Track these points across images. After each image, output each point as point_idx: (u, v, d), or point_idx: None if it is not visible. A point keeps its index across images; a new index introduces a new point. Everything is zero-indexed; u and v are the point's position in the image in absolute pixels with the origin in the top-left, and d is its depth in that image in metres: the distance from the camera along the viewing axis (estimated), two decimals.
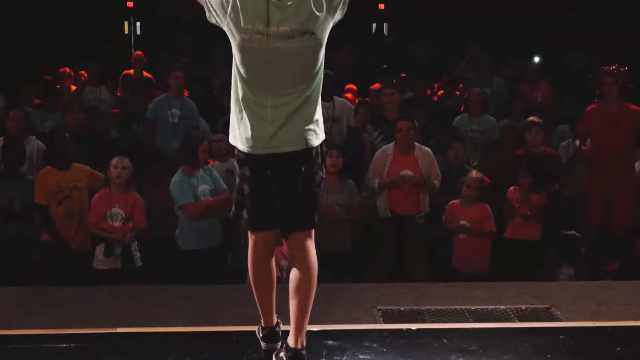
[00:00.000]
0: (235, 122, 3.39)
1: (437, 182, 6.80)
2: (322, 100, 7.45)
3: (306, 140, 3.33)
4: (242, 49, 3.24)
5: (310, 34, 3.20)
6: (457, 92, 10.55)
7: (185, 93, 8.46)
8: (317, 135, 3.39)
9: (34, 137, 7.17)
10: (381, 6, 19.67)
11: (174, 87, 8.08)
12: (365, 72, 14.77)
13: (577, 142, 7.17)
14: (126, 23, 19.16)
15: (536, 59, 14.59)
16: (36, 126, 7.89)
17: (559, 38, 15.71)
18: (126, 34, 18.83)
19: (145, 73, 10.61)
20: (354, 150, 7.39)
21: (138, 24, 19.03)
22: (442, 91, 11.15)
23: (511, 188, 6.92)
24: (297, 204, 3.40)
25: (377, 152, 6.96)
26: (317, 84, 3.37)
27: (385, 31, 20.48)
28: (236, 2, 3.19)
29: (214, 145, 7.15)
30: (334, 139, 7.61)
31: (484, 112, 8.43)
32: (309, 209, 3.44)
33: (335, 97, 8.03)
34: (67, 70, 10.25)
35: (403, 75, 10.90)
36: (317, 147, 3.40)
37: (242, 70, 3.30)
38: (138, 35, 18.77)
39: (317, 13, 3.19)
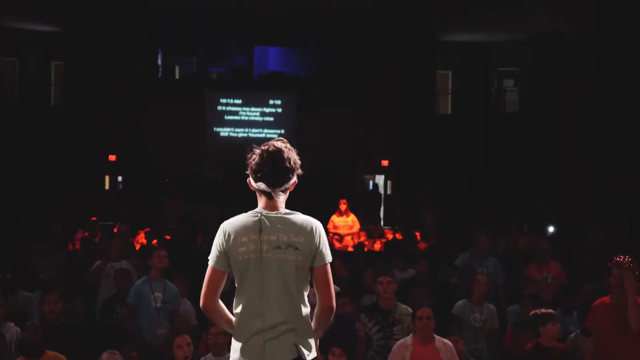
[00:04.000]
0: (234, 338, 4.08)
1: None
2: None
3: (298, 351, 3.98)
4: (241, 263, 4.02)
5: (294, 248, 4.00)
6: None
7: None
8: (310, 350, 4.05)
9: (12, 324, 7.53)
10: (385, 163, 20.82)
11: (156, 268, 8.35)
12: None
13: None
14: (107, 177, 20.16)
15: (550, 229, 15.17)
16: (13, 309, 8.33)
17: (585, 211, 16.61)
18: (107, 189, 19.82)
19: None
20: (347, 342, 7.58)
21: (120, 178, 20.00)
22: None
23: None
24: None
25: (395, 346, 7.27)
26: (306, 299, 4.06)
27: (388, 189, 21.47)
28: (227, 230, 4.06)
29: (209, 339, 7.36)
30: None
31: (486, 299, 8.86)
32: None
33: None
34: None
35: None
36: None
37: (240, 287, 4.05)
38: (120, 190, 19.70)
39: (305, 236, 4.03)
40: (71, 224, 15.14)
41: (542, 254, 10.38)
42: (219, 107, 20.95)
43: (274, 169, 4.04)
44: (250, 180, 4.12)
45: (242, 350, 4.00)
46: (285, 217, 4.05)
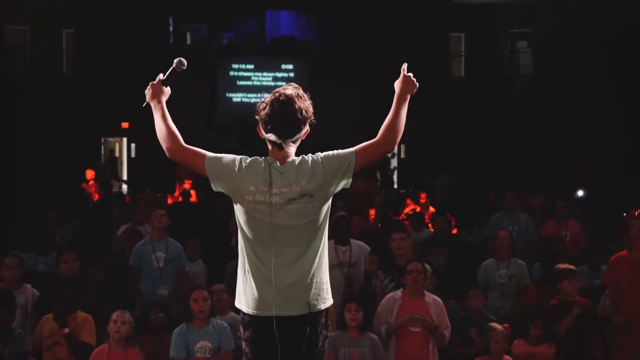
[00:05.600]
0: (241, 284, 3.96)
1: (447, 334, 7.03)
2: (339, 244, 7.92)
3: (310, 306, 3.87)
4: (246, 211, 3.89)
5: (309, 196, 3.87)
6: (482, 229, 11.02)
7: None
8: (324, 300, 3.95)
9: (29, 286, 7.44)
10: None
11: (156, 228, 8.29)
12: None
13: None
14: (117, 144, 20.11)
15: (580, 193, 15.05)
16: (29, 271, 8.32)
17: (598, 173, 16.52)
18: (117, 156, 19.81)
19: None
20: (366, 298, 7.59)
21: (133, 145, 19.94)
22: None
23: (516, 341, 7.11)
24: None
25: (384, 299, 7.20)
26: (321, 247, 3.94)
27: (402, 153, 21.37)
28: (242, 166, 3.90)
29: (213, 297, 7.29)
30: (353, 286, 7.97)
31: (512, 255, 8.78)
32: None
33: (352, 241, 8.28)
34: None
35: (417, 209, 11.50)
36: (323, 310, 3.95)
37: (246, 232, 3.92)
38: (132, 157, 19.67)
39: (316, 178, 3.88)
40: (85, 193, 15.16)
41: (560, 212, 10.37)
42: (231, 73, 20.85)
43: (284, 120, 3.90)
44: (260, 128, 3.98)
45: (254, 297, 3.88)
46: (295, 167, 3.89)
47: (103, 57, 19.30)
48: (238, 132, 19.31)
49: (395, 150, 21.63)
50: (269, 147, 3.98)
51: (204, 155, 3.98)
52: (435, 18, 20.14)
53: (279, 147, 3.93)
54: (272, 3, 21.31)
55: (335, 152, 3.98)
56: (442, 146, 19.39)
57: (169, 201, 13.05)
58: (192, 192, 14.23)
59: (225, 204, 12.05)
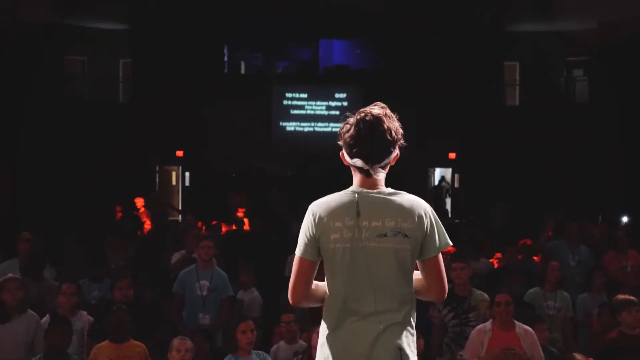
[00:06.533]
0: (325, 343, 3.46)
1: None
2: None
3: (402, 355, 3.37)
4: (332, 253, 3.39)
5: (403, 235, 3.36)
6: (536, 258, 10.83)
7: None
8: (413, 352, 3.44)
9: (85, 312, 7.52)
10: (452, 155, 20.51)
11: (202, 258, 8.34)
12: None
13: None
14: (174, 173, 20.25)
15: (624, 219, 14.79)
16: (83, 298, 8.36)
17: None
18: (174, 184, 19.93)
19: None
20: (424, 327, 7.52)
21: (187, 174, 20.05)
22: (520, 255, 11.44)
23: None
24: None
25: (474, 331, 7.07)
26: (412, 297, 3.47)
27: (456, 183, 21.17)
28: (318, 212, 3.43)
29: (282, 327, 7.39)
30: None
31: (560, 287, 8.63)
32: None
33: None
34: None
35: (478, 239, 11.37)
36: None
37: (332, 280, 3.43)
38: (187, 186, 19.78)
39: (413, 218, 3.39)
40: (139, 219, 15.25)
41: (621, 242, 10.17)
42: (285, 102, 20.91)
43: (372, 143, 3.41)
44: (344, 154, 3.51)
45: (338, 353, 3.41)
46: (389, 198, 3.40)
47: (158, 86, 19.51)
48: (292, 160, 19.34)
49: (449, 179, 21.46)
50: (355, 174, 3.50)
51: (300, 260, 3.48)
52: (490, 46, 19.98)
53: (366, 174, 3.45)
54: (325, 32, 21.34)
55: (440, 232, 3.47)
56: (497, 175, 19.15)
57: (223, 229, 13.04)
58: (245, 220, 14.22)
59: (278, 233, 12.06)
